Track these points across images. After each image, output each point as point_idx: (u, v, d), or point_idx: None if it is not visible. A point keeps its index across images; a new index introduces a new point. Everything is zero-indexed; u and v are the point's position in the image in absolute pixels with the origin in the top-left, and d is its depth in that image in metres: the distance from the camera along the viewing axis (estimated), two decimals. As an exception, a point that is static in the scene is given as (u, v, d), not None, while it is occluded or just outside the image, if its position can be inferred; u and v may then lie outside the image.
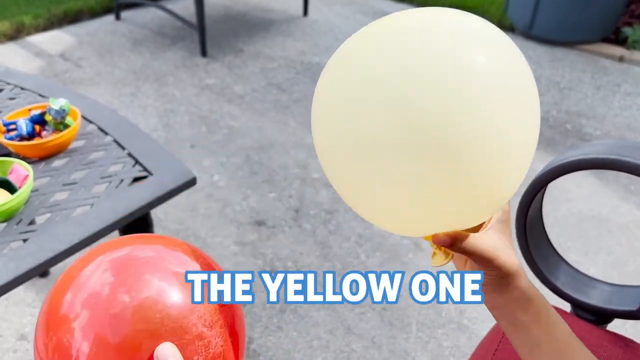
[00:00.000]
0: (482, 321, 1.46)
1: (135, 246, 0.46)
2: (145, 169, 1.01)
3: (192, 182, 0.99)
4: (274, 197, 1.90)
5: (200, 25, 2.74)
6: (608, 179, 2.00)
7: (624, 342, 0.79)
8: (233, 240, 1.72)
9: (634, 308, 0.79)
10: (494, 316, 0.51)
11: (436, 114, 0.37)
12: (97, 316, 0.41)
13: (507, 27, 3.11)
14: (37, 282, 1.55)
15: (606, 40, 2.95)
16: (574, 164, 0.76)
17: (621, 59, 2.83)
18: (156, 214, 1.80)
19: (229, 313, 0.44)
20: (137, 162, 1.03)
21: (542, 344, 0.50)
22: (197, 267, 0.46)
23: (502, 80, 0.39)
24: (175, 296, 0.42)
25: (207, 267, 0.47)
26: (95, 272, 0.44)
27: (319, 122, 0.43)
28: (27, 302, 1.49)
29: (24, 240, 0.85)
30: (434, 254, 0.48)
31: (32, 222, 0.89)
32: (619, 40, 2.91)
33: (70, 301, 0.43)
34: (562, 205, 1.89)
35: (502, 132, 0.39)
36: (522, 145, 0.41)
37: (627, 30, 2.90)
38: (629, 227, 1.79)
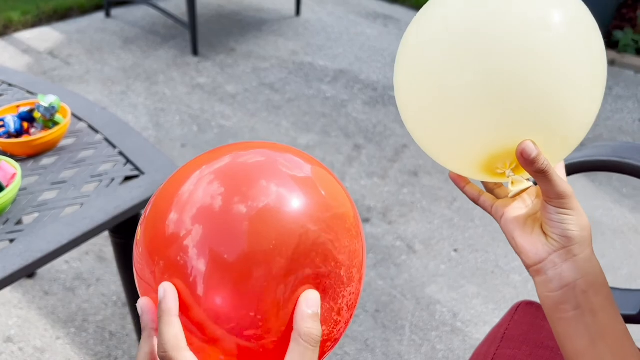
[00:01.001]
0: (476, 324, 1.45)
1: (236, 153, 0.42)
2: (137, 168, 0.98)
3: (184, 182, 0.97)
4: (266, 198, 1.88)
5: (192, 23, 2.72)
6: (601, 182, 2.01)
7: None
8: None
9: (634, 312, 0.78)
10: (552, 301, 0.47)
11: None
12: (214, 230, 0.37)
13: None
14: (24, 283, 1.52)
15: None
16: (576, 166, 0.75)
17: (612, 63, 2.84)
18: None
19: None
20: (128, 161, 1.00)
21: (607, 333, 0.46)
22: (314, 170, 0.43)
23: (575, 35, 0.44)
24: (295, 204, 0.39)
25: (322, 169, 0.44)
26: (199, 186, 0.39)
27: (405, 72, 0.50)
28: (13, 304, 1.46)
29: (11, 241, 0.83)
30: (512, 182, 0.48)
31: (19, 222, 0.87)
32: (611, 43, 2.92)
33: (177, 220, 0.38)
34: (555, 208, 1.88)
35: (573, 78, 0.44)
36: (590, 91, 0.46)
37: (618, 33, 2.91)
38: (622, 230, 1.80)
